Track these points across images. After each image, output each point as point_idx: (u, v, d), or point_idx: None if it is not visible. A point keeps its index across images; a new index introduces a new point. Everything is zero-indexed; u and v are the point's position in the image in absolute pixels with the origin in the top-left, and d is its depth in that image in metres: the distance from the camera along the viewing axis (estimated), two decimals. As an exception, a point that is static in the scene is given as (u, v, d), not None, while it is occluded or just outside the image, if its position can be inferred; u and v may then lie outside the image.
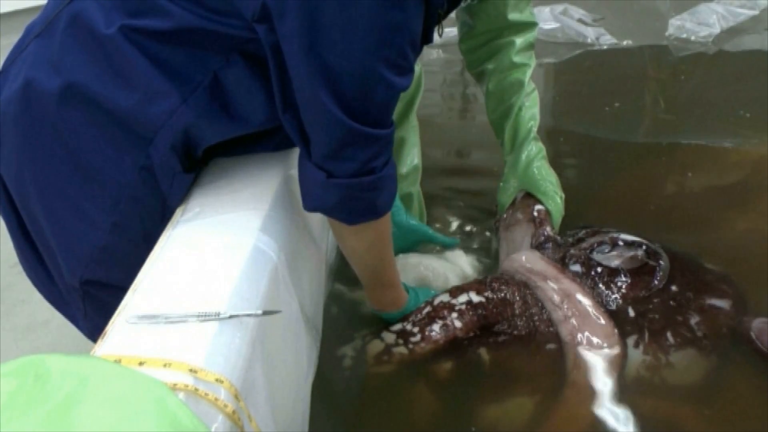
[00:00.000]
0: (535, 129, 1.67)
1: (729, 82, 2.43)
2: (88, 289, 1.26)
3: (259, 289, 1.03)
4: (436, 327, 1.39)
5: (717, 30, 2.62)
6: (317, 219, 1.41)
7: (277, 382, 1.05)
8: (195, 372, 0.85)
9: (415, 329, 1.39)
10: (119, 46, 1.10)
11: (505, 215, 1.67)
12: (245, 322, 0.96)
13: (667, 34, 2.68)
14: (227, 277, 0.99)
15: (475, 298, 1.42)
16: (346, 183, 1.14)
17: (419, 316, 1.41)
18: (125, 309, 0.94)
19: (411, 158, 1.69)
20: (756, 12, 2.63)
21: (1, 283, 1.85)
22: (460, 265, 1.64)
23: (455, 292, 1.44)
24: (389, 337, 1.40)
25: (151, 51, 1.11)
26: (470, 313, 1.40)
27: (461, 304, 1.41)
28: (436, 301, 1.43)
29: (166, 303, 0.95)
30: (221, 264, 1.02)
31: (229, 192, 1.20)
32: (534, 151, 1.66)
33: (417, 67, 1.62)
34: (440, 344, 1.38)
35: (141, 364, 0.85)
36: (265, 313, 1.00)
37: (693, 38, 2.64)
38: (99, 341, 0.90)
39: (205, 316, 0.93)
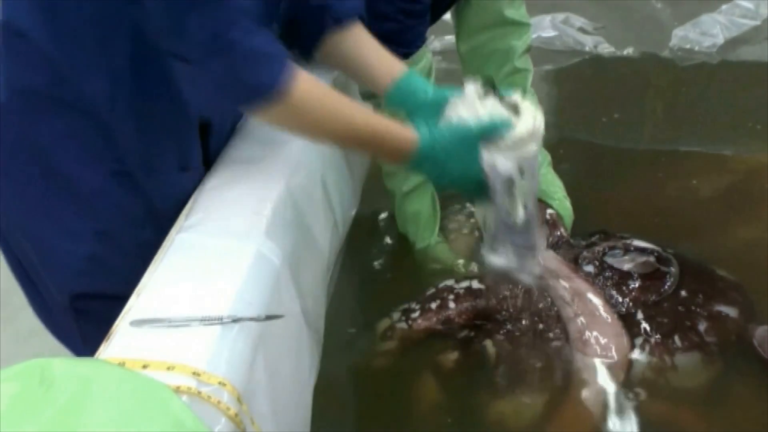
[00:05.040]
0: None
1: (732, 91, 2.44)
2: (79, 305, 1.24)
3: (261, 293, 1.03)
4: (434, 305, 1.43)
5: (720, 40, 2.63)
6: (320, 223, 1.41)
7: (280, 385, 1.05)
8: (198, 375, 0.85)
9: (416, 306, 1.45)
10: None
11: None
12: (248, 326, 0.96)
13: (670, 44, 2.68)
14: (230, 282, 1.00)
15: (475, 285, 1.45)
16: (206, 67, 1.06)
17: (424, 296, 1.45)
18: (129, 312, 0.95)
19: None
20: (758, 22, 2.63)
21: (1, 287, 1.85)
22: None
23: (461, 278, 1.47)
24: (395, 315, 1.45)
25: None
26: (467, 297, 1.43)
27: (461, 288, 1.45)
28: (441, 284, 1.46)
29: (169, 307, 0.95)
30: (224, 268, 1.03)
31: (232, 196, 1.20)
32: (539, 159, 1.66)
33: (427, 58, 1.60)
34: (434, 323, 1.42)
35: (145, 367, 0.85)
36: (268, 317, 1.00)
37: (696, 48, 2.64)
38: (103, 344, 0.90)
39: (209, 320, 0.93)
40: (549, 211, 1.65)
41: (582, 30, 2.91)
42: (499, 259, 1.29)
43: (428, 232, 1.67)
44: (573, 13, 2.97)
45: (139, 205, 1.20)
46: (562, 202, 1.65)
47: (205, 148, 1.33)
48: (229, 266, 1.03)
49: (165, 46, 1.06)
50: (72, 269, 1.20)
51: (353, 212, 1.68)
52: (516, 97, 1.23)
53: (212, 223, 1.13)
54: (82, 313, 1.25)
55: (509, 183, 1.21)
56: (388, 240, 1.74)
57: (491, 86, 1.24)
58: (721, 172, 1.99)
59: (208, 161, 1.33)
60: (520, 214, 1.24)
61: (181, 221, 1.16)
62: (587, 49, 2.75)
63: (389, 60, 1.33)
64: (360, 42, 1.34)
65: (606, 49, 2.75)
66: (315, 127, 1.17)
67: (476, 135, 1.19)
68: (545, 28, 2.86)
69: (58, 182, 1.17)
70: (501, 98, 1.22)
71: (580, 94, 2.60)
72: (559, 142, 2.19)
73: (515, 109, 1.22)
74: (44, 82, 1.11)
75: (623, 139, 2.21)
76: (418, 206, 1.65)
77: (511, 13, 1.69)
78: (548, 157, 1.68)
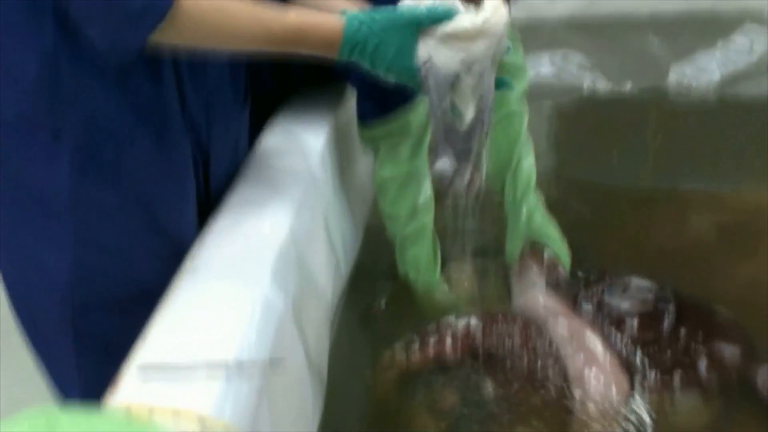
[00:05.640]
0: (533, 181, 1.70)
1: (730, 128, 2.46)
2: (81, 324, 1.23)
3: (265, 338, 1.04)
4: (432, 340, 1.44)
5: (717, 77, 2.66)
6: (322, 265, 1.42)
7: (284, 428, 1.06)
8: (203, 420, 0.86)
9: (416, 338, 1.46)
10: None
11: (515, 266, 1.70)
12: (252, 371, 0.97)
13: (668, 81, 2.72)
14: (235, 327, 1.01)
15: (474, 322, 1.45)
16: (79, 4, 1.05)
17: (424, 330, 1.47)
18: (134, 358, 0.96)
19: (425, 190, 1.69)
20: (754, 59, 2.67)
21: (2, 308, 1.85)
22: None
23: (461, 315, 1.49)
24: (397, 346, 1.46)
25: None
26: (465, 334, 1.44)
27: (460, 325, 1.46)
28: (443, 320, 1.48)
29: (174, 352, 0.96)
30: (229, 313, 1.04)
31: (236, 240, 1.22)
32: (533, 202, 1.70)
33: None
34: (430, 357, 1.43)
35: (151, 412, 0.86)
36: (272, 361, 1.01)
37: (694, 84, 2.68)
38: (109, 390, 0.91)
39: (214, 365, 0.94)
40: (547, 252, 1.67)
41: (580, 67, 2.94)
42: (439, 162, 1.25)
43: (429, 274, 1.68)
44: (571, 49, 3.01)
45: (111, 202, 1.20)
46: (558, 244, 1.67)
47: (206, 184, 1.35)
48: (234, 311, 1.04)
49: None
50: (62, 282, 1.20)
51: (355, 252, 1.69)
52: None
53: (217, 267, 1.15)
54: (82, 338, 1.24)
55: (451, 79, 1.17)
56: (389, 280, 1.75)
57: None
58: (720, 211, 2.00)
59: (209, 198, 1.36)
60: (465, 115, 1.21)
61: (187, 264, 1.18)
62: (585, 85, 2.79)
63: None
64: None
65: (604, 85, 2.78)
66: (221, 36, 1.15)
67: (408, 20, 1.16)
68: (543, 64, 2.90)
69: (25, 191, 1.18)
70: None
71: (578, 132, 2.63)
72: (558, 181, 2.21)
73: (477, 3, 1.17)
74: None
75: (622, 177, 2.23)
76: (419, 249, 1.66)
77: (508, 57, 1.71)
78: (541, 199, 1.70)
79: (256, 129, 1.57)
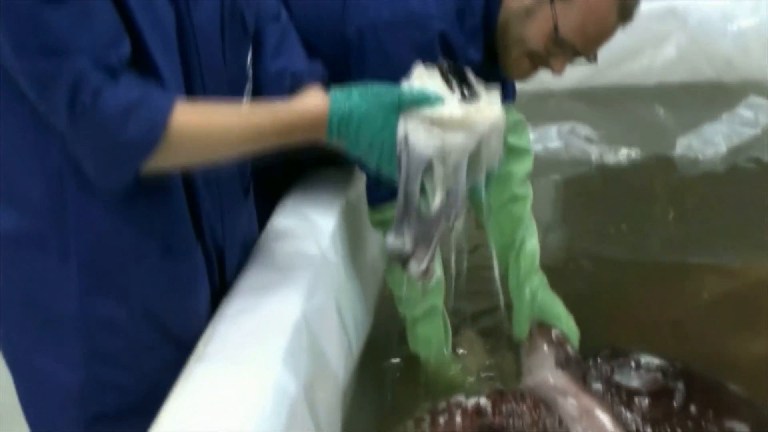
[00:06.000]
0: (537, 262, 1.72)
1: (737, 200, 2.48)
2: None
3: (278, 424, 1.05)
4: (442, 420, 1.42)
5: (723, 149, 2.70)
6: (334, 347, 1.43)
7: None
8: None
9: (427, 416, 1.44)
10: None
11: (525, 345, 1.70)
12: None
13: (674, 153, 2.75)
14: (248, 416, 1.02)
15: (484, 400, 1.44)
16: (76, 135, 1.06)
17: (435, 408, 1.45)
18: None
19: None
20: (758, 131, 2.71)
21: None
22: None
23: (471, 394, 1.47)
24: (409, 424, 1.45)
25: None
26: (475, 413, 1.43)
27: (469, 404, 1.44)
28: (453, 398, 1.46)
29: (188, 441, 0.97)
30: (242, 401, 1.05)
31: (249, 325, 1.23)
32: (536, 283, 1.71)
33: None
34: None
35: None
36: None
37: (700, 157, 2.71)
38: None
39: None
40: (555, 331, 1.67)
41: (588, 139, 2.98)
42: (394, 240, 1.23)
43: (440, 354, 1.69)
44: (578, 121, 3.05)
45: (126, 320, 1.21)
46: (566, 322, 1.68)
47: (221, 274, 1.38)
48: (247, 399, 1.05)
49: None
50: (74, 395, 1.21)
51: (367, 330, 1.70)
52: (481, 86, 1.20)
53: (230, 353, 1.16)
54: None
55: (423, 163, 1.16)
56: (400, 357, 1.76)
57: (454, 71, 1.19)
58: (730, 285, 2.01)
59: (225, 287, 1.37)
60: (433, 204, 1.19)
61: (200, 349, 1.19)
62: (593, 158, 2.82)
63: None
64: None
65: (611, 158, 2.81)
66: (213, 150, 1.17)
67: (392, 99, 1.16)
68: (551, 138, 2.94)
69: (34, 309, 1.19)
70: (463, 82, 1.18)
71: (587, 205, 2.65)
72: (567, 255, 2.23)
73: (474, 96, 1.17)
74: None
75: (631, 251, 2.24)
76: (430, 330, 1.67)
77: (514, 139, 1.75)
78: (544, 279, 1.72)
79: (268, 210, 1.60)
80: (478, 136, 1.17)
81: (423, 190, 1.20)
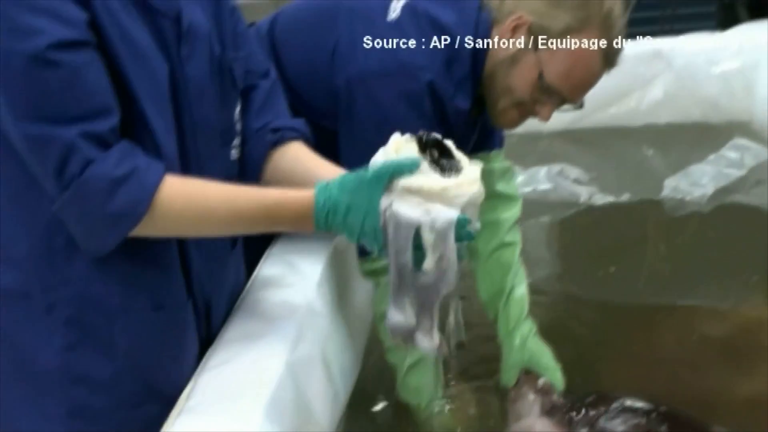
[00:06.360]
0: (526, 310, 1.72)
1: (725, 241, 2.49)
2: None
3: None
4: None
5: (710, 190, 2.71)
6: (320, 397, 1.42)
7: None
8: None
9: None
10: None
11: (511, 392, 1.70)
12: None
13: (662, 194, 2.77)
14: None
15: None
16: (64, 201, 1.07)
17: None
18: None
19: None
20: (744, 172, 2.72)
21: None
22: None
23: None
24: None
25: None
26: None
27: None
28: None
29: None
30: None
31: (232, 377, 1.23)
32: (526, 330, 1.71)
33: None
34: None
35: None
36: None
37: (688, 198, 2.72)
38: None
39: None
40: (541, 380, 1.67)
41: (577, 181, 2.99)
42: (396, 316, 1.23)
43: (430, 403, 1.68)
44: (567, 162, 3.06)
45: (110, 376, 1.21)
46: (553, 371, 1.68)
47: (208, 326, 1.37)
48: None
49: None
50: None
51: (354, 379, 1.69)
52: (463, 159, 1.20)
53: (211, 407, 1.16)
54: None
55: (410, 231, 1.15)
56: (389, 405, 1.75)
57: (433, 143, 1.19)
58: (718, 327, 2.01)
59: (211, 339, 1.36)
60: (428, 271, 1.18)
61: (182, 402, 1.19)
62: (582, 200, 2.83)
63: (332, 166, 1.35)
64: (300, 155, 1.39)
65: (600, 200, 2.82)
66: (195, 230, 1.20)
67: (373, 177, 1.16)
68: (541, 180, 2.95)
69: (19, 364, 1.19)
70: (442, 157, 1.18)
71: (576, 247, 2.66)
72: (556, 298, 2.23)
73: (453, 169, 1.17)
74: None
75: (620, 294, 2.24)
76: (420, 379, 1.67)
77: (502, 186, 1.76)
78: (534, 327, 1.72)
79: (256, 258, 1.60)
80: (459, 207, 1.17)
81: (414, 259, 1.19)
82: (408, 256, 1.17)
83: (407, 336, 1.24)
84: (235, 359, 1.27)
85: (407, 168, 1.15)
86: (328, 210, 1.18)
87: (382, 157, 1.20)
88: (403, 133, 1.22)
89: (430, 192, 1.15)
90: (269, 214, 1.21)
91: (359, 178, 1.18)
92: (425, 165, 1.17)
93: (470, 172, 1.19)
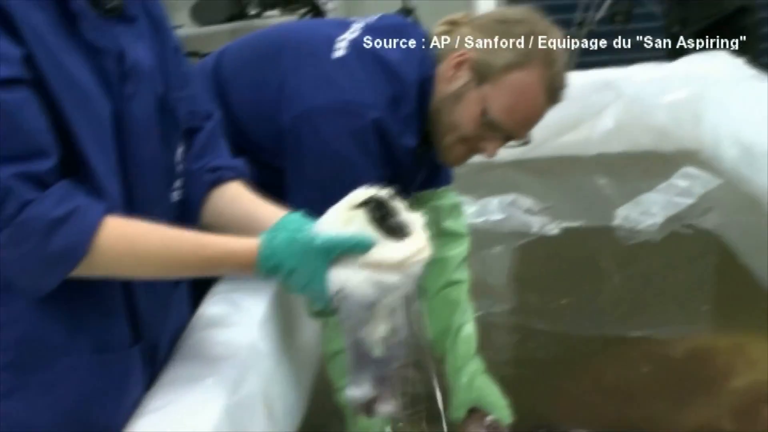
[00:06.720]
0: (474, 348, 1.71)
1: (674, 270, 2.50)
2: None
3: None
4: None
5: (660, 219, 2.73)
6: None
7: None
8: None
9: None
10: None
11: (459, 430, 1.69)
12: None
13: (614, 223, 2.78)
14: None
15: None
16: (1, 242, 1.03)
17: None
18: None
19: None
20: (693, 200, 2.75)
21: None
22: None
23: None
24: None
25: None
26: None
27: None
28: None
29: None
30: None
31: (169, 421, 1.19)
32: (473, 369, 1.70)
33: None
34: None
35: None
36: None
37: (639, 227, 2.74)
38: None
39: None
40: (489, 417, 1.66)
41: (529, 211, 3.00)
42: (356, 391, 1.20)
43: None
44: (520, 192, 3.07)
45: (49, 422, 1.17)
46: (501, 408, 1.67)
47: (152, 369, 1.33)
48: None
49: None
50: None
51: (300, 420, 1.66)
52: (410, 220, 1.17)
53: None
54: None
55: (365, 308, 1.13)
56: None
57: (378, 205, 1.16)
58: (670, 357, 2.02)
59: (153, 380, 1.32)
60: (384, 342, 1.16)
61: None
62: (534, 230, 2.83)
63: (272, 207, 1.32)
64: (238, 195, 1.37)
65: (552, 230, 2.83)
66: (135, 272, 1.17)
67: (322, 248, 1.13)
68: (493, 211, 2.95)
69: None
70: (389, 217, 1.15)
71: (529, 278, 2.66)
72: (509, 330, 2.23)
73: (403, 232, 1.15)
74: None
75: (572, 326, 2.23)
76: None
77: (450, 223, 1.75)
78: (481, 365, 1.71)
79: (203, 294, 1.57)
80: (413, 278, 1.16)
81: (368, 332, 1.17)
82: (364, 332, 1.15)
83: (368, 407, 1.22)
84: (172, 404, 1.24)
85: (360, 249, 1.13)
86: (272, 265, 1.16)
87: (332, 224, 1.17)
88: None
89: (389, 266, 1.13)
90: (212, 262, 1.20)
91: (307, 244, 1.15)
92: (377, 236, 1.14)
93: (419, 232, 1.18)
